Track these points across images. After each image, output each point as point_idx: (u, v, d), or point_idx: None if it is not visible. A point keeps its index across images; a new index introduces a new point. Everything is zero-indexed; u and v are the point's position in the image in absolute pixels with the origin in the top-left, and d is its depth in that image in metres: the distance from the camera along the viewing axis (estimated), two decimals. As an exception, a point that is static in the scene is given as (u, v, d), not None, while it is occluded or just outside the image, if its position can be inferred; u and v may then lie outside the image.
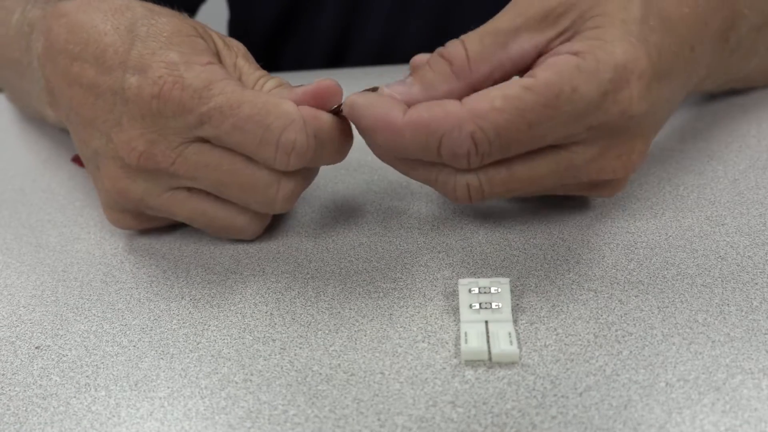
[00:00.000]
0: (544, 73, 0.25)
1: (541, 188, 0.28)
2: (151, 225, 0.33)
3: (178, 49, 0.28)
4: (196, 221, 0.31)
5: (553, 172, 0.27)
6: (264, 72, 0.30)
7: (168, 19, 0.29)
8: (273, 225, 0.34)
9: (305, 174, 0.30)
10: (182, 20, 0.29)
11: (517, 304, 0.27)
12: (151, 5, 0.30)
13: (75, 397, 0.25)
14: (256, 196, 0.29)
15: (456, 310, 0.27)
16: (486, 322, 0.26)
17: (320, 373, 0.25)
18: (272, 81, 0.30)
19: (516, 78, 0.26)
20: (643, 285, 0.28)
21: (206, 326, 0.28)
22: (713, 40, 0.30)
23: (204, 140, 0.28)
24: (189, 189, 0.30)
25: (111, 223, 0.32)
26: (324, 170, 0.38)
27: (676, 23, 0.27)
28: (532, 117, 0.24)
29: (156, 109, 0.27)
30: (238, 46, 0.31)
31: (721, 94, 0.42)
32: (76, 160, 0.39)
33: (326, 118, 0.28)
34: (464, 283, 0.27)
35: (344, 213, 0.35)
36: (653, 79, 0.26)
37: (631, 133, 0.27)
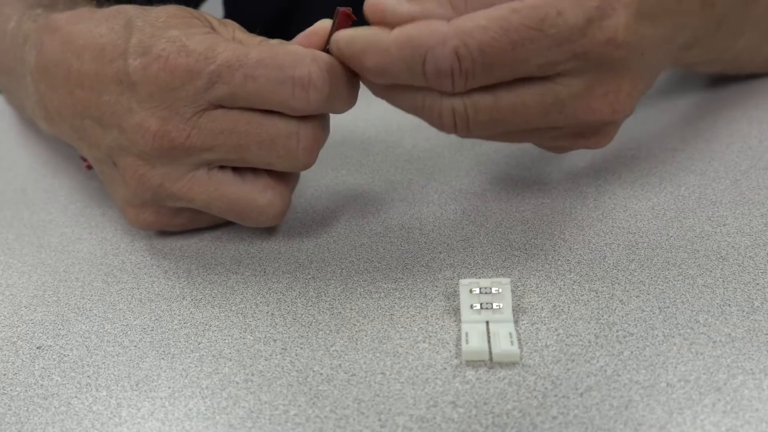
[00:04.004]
0: None
1: (528, 123, 0.27)
2: (170, 222, 0.32)
3: (177, 27, 0.28)
4: (216, 206, 0.30)
5: (538, 104, 0.26)
6: (264, 38, 0.30)
7: (161, 8, 0.29)
8: (274, 226, 0.34)
9: (322, 123, 0.29)
10: (176, 7, 0.30)
11: (518, 305, 0.27)
12: (142, 5, 0.30)
13: (76, 397, 0.25)
14: (277, 150, 0.28)
15: (457, 311, 0.27)
16: (487, 322, 0.26)
17: (321, 374, 0.25)
18: (274, 40, 0.30)
19: (500, 4, 0.26)
20: (644, 285, 0.28)
21: (207, 326, 0.28)
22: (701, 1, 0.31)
23: (216, 106, 0.28)
24: (208, 169, 0.29)
25: (131, 223, 0.32)
26: (325, 171, 0.38)
27: None
28: (516, 37, 0.24)
29: (164, 82, 0.27)
30: (232, 24, 0.31)
31: (725, 94, 0.42)
32: (86, 160, 0.39)
33: (331, 59, 0.28)
34: (465, 284, 0.27)
35: (345, 213, 0.35)
36: (640, 13, 0.26)
37: (618, 68, 0.26)
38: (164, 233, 0.34)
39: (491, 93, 0.26)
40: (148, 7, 0.30)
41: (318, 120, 0.29)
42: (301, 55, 0.27)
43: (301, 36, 0.29)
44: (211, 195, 0.29)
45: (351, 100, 0.29)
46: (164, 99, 0.27)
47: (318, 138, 0.29)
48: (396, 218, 0.34)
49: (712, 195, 0.33)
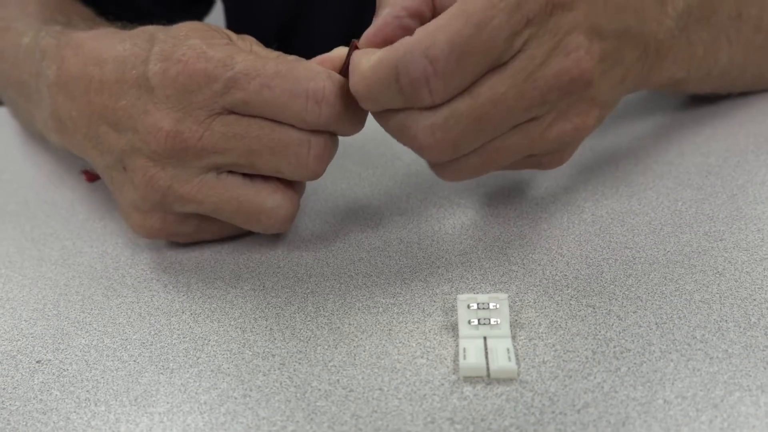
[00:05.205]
0: None
1: (510, 114, 0.27)
2: (177, 230, 0.32)
3: (197, 37, 0.29)
4: (224, 209, 0.30)
5: (514, 87, 0.26)
6: (281, 53, 0.31)
7: (182, 23, 0.31)
8: (273, 239, 0.34)
9: (333, 138, 0.30)
10: (196, 22, 0.31)
11: (516, 320, 0.27)
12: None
13: (75, 412, 0.25)
14: (288, 157, 0.29)
15: (455, 326, 0.27)
16: (485, 338, 0.26)
17: (319, 389, 0.25)
18: (291, 57, 0.30)
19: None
20: (641, 301, 0.28)
21: (206, 341, 0.28)
22: (652, 2, 0.31)
23: (230, 112, 0.28)
24: (218, 173, 0.29)
25: (135, 230, 0.32)
26: (324, 184, 0.39)
27: None
28: (477, 19, 0.25)
29: (182, 84, 0.28)
30: (250, 38, 0.32)
31: (721, 108, 0.42)
32: (86, 173, 0.39)
33: (343, 79, 0.28)
34: (463, 299, 0.27)
35: (344, 227, 0.35)
36: None
37: (566, 24, 0.27)
38: (165, 246, 0.34)
39: (468, 92, 0.26)
40: (170, 26, 0.31)
41: (329, 135, 0.29)
42: (317, 71, 0.28)
43: (318, 58, 0.30)
44: (220, 197, 0.30)
45: (359, 125, 0.30)
46: (180, 101, 0.28)
47: (329, 148, 0.29)
48: (394, 232, 0.34)
49: (708, 210, 0.33)
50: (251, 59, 0.28)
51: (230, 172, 0.30)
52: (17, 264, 0.34)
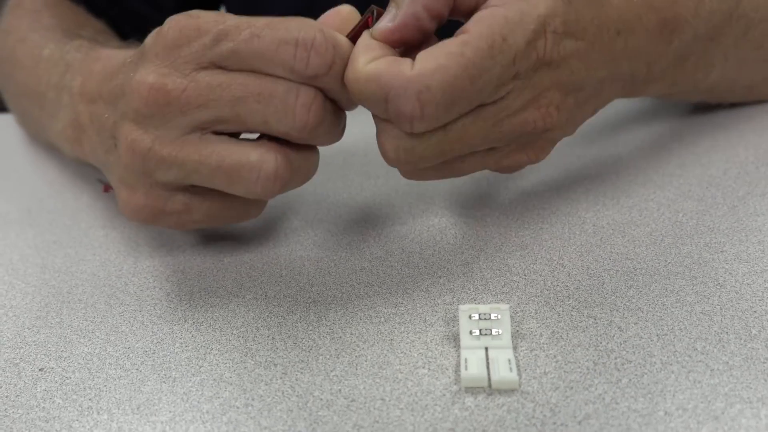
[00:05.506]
0: (476, 27, 0.26)
1: (472, 147, 0.29)
2: (163, 207, 0.30)
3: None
4: (205, 166, 0.28)
5: (482, 129, 0.28)
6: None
7: None
8: (276, 249, 0.34)
9: (326, 101, 0.28)
10: None
11: (517, 331, 0.28)
12: None
13: (77, 420, 0.25)
14: (275, 104, 0.27)
15: (456, 336, 0.27)
16: (486, 348, 0.26)
17: (321, 399, 0.25)
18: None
19: (450, 39, 0.27)
20: (642, 312, 0.28)
21: (209, 350, 0.28)
22: (647, 36, 0.32)
23: (217, 66, 0.28)
24: (201, 134, 0.28)
25: (122, 211, 0.31)
26: (326, 193, 0.39)
27: (605, 3, 0.30)
28: (473, 71, 0.26)
29: (171, 39, 0.28)
30: None
31: (722, 120, 0.42)
32: (105, 184, 0.39)
33: (343, 38, 0.28)
34: (464, 309, 0.27)
35: (346, 237, 0.35)
36: (566, 35, 0.28)
37: (548, 83, 0.28)
38: (167, 254, 0.34)
39: (441, 128, 0.27)
40: None
41: (320, 92, 0.28)
42: (309, 23, 0.27)
43: (326, 15, 0.29)
44: (201, 155, 0.28)
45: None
46: (168, 56, 0.28)
47: (318, 100, 0.28)
48: (396, 242, 0.34)
49: (709, 221, 0.34)
50: (243, 17, 0.28)
51: (215, 133, 0.29)
52: (20, 271, 0.34)
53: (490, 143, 0.29)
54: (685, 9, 0.33)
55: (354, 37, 0.28)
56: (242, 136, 0.29)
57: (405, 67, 0.26)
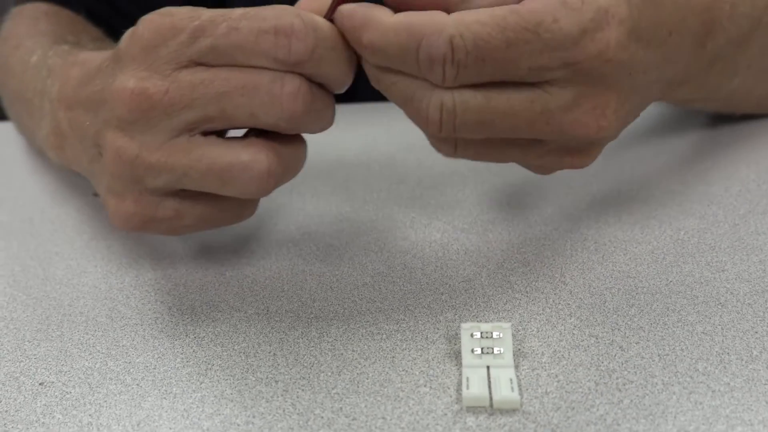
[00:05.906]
0: (531, 2, 0.26)
1: (515, 131, 0.27)
2: (153, 213, 0.29)
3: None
4: (195, 170, 0.28)
5: (527, 110, 0.27)
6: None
7: None
8: (278, 262, 0.34)
9: (312, 87, 0.27)
10: None
11: (519, 349, 0.28)
12: None
13: (78, 436, 0.25)
14: (260, 96, 0.27)
15: (458, 353, 0.27)
16: (488, 367, 0.26)
17: (322, 417, 0.25)
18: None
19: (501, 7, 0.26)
20: (643, 332, 0.28)
21: (210, 365, 0.28)
22: (691, 38, 0.31)
23: (197, 64, 0.27)
24: (189, 135, 0.28)
25: (112, 221, 0.30)
26: (329, 207, 0.39)
27: (659, 3, 0.29)
28: (511, 36, 0.25)
29: (147, 40, 0.27)
30: None
31: (724, 137, 0.43)
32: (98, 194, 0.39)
33: (322, 20, 0.27)
34: (466, 328, 0.27)
35: (348, 251, 0.35)
36: (632, 33, 0.27)
37: (606, 84, 0.27)
38: (169, 266, 0.34)
39: (482, 92, 0.26)
40: None
41: (305, 79, 0.27)
42: (285, 10, 0.27)
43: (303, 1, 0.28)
44: (190, 158, 0.27)
45: (345, 71, 0.28)
46: (146, 59, 0.27)
47: (304, 87, 0.27)
48: (398, 257, 0.34)
49: (711, 240, 0.34)
50: (218, 10, 0.27)
51: (202, 134, 0.28)
52: (21, 283, 0.34)
53: (536, 133, 0.27)
54: (721, 12, 0.33)
55: (333, 17, 0.28)
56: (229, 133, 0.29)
57: (440, 15, 0.26)
